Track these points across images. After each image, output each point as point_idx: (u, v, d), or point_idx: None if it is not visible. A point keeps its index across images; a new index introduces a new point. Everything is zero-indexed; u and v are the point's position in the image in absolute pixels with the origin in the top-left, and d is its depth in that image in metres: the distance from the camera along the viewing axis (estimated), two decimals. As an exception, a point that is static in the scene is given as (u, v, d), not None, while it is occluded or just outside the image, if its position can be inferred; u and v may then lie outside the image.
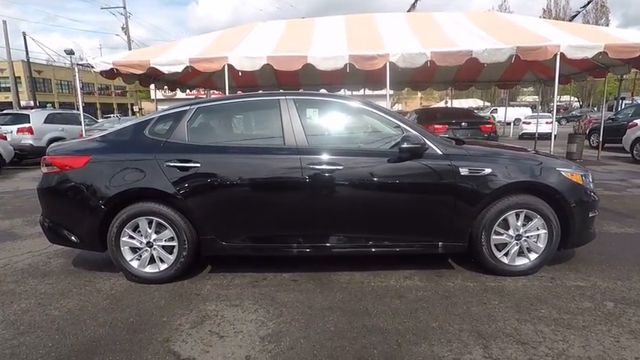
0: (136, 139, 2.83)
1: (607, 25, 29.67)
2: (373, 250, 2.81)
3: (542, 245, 2.78)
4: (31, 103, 26.28)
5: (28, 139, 10.11)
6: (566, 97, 39.96)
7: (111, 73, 7.24)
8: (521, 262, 2.81)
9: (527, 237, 2.77)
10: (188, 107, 2.88)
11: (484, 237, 2.74)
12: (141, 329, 2.20)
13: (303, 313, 2.35)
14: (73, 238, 2.82)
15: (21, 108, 20.86)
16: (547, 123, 15.26)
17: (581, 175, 2.85)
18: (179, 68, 6.84)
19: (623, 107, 15.05)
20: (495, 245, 2.77)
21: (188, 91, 12.36)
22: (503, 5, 35.75)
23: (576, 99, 40.25)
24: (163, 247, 2.77)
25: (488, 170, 2.69)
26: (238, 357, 1.93)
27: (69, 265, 3.21)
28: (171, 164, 2.68)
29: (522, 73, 10.86)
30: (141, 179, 2.68)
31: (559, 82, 9.60)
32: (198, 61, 6.82)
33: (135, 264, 2.79)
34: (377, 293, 2.60)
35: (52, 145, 2.99)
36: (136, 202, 2.70)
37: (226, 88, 7.12)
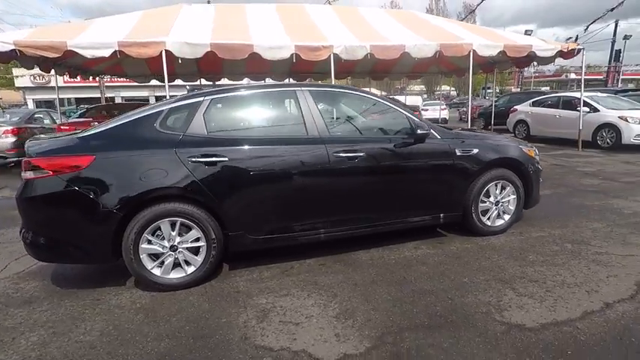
0: (146, 133, 2.57)
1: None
2: (392, 226, 3.11)
3: (512, 208, 3.47)
4: None
5: None
6: (446, 87, 46.08)
7: (8, 56, 5.97)
8: (499, 222, 3.46)
9: (503, 202, 3.42)
10: (202, 98, 2.72)
11: (474, 206, 3.29)
12: (208, 334, 2.11)
13: (354, 290, 2.53)
14: (77, 252, 2.46)
15: None
16: (442, 109, 17.71)
17: (534, 150, 3.61)
18: (105, 52, 6.02)
19: (501, 96, 18.24)
20: (481, 212, 3.35)
21: (91, 78, 10.76)
22: (394, 2, 39.12)
23: (454, 89, 46.78)
24: (188, 249, 2.61)
25: (475, 150, 3.22)
26: (329, 336, 2.04)
27: (50, 285, 2.75)
28: (196, 159, 2.53)
29: (428, 66, 12.33)
30: (162, 178, 2.47)
31: (457, 75, 11.30)
32: (129, 45, 6.08)
33: (157, 272, 2.57)
34: (402, 264, 2.92)
35: (31, 144, 2.48)
36: (156, 204, 2.48)
37: (165, 78, 6.51)
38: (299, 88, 2.92)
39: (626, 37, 27.44)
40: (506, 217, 3.47)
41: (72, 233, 2.43)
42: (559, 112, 9.86)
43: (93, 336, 2.13)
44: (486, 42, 7.59)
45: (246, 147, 2.66)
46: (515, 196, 3.44)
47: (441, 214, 3.23)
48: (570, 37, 25.04)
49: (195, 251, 2.63)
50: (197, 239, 2.60)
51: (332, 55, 6.95)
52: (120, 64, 10.09)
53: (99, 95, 21.57)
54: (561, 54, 8.14)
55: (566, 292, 2.42)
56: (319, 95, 2.98)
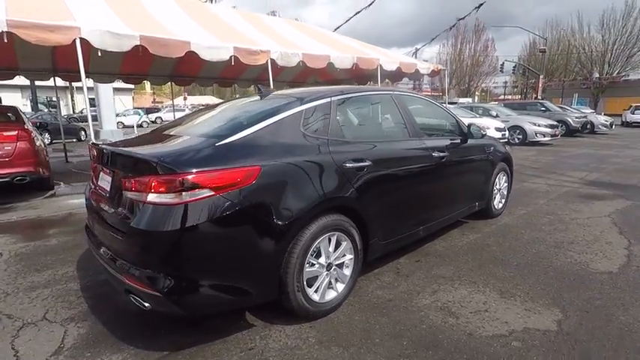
0: (296, 138, 2.17)
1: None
2: (453, 217, 3.50)
3: (505, 192, 4.40)
4: None
5: None
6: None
7: None
8: (500, 205, 4.33)
9: (501, 188, 4.31)
10: (329, 99, 2.45)
11: (493, 194, 4.04)
12: (433, 343, 2.01)
13: (482, 273, 2.82)
14: (239, 292, 1.88)
15: None
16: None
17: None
18: (-14, 33, 4.17)
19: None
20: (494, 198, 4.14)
21: None
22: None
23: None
24: (338, 265, 2.34)
25: (492, 148, 3.97)
26: (520, 311, 2.29)
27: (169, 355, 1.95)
28: (350, 165, 2.31)
29: (307, 76, 11.42)
30: (327, 187, 2.15)
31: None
32: (26, 26, 4.41)
33: (316, 297, 2.21)
34: (474, 248, 3.36)
35: (175, 154, 1.73)
36: (321, 218, 2.13)
37: (82, 71, 4.96)
38: (392, 92, 2.98)
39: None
40: (502, 199, 4.38)
41: (237, 268, 1.86)
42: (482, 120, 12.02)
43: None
44: (387, 59, 8.91)
45: (376, 149, 2.57)
46: (507, 184, 4.39)
47: (477, 203, 3.83)
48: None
49: (341, 266, 2.38)
50: (344, 253, 2.37)
51: (269, 61, 6.82)
52: (8, 51, 6.91)
53: None
54: (433, 73, 10.30)
55: (590, 244, 3.39)
56: (405, 99, 3.10)
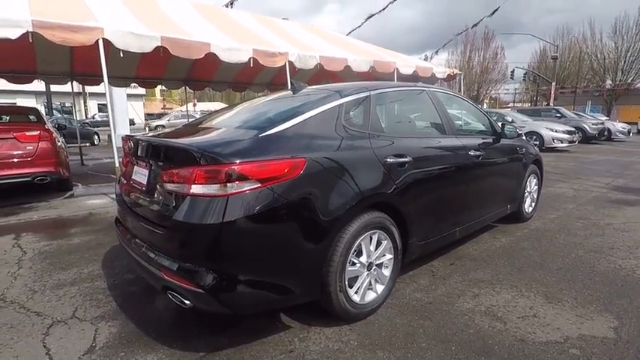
0: (339, 131, 2.09)
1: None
2: (487, 220, 3.37)
3: (536, 196, 4.25)
4: None
5: None
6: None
7: None
8: (529, 209, 4.17)
9: (532, 191, 4.16)
10: (368, 93, 2.38)
11: (524, 197, 3.90)
12: (483, 349, 1.89)
13: (522, 277, 2.69)
14: (283, 290, 1.79)
15: None
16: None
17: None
18: (13, 33, 4.19)
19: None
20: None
21: None
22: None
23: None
24: (378, 265, 2.24)
25: (524, 149, 3.84)
26: (571, 317, 2.17)
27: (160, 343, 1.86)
28: (392, 160, 2.22)
29: (254, 76, 10.76)
30: (370, 182, 2.07)
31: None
32: (51, 27, 4.43)
33: (357, 298, 2.10)
34: (509, 251, 3.23)
35: (219, 144, 1.71)
36: (363, 214, 2.04)
37: (104, 72, 4.97)
38: (428, 88, 2.90)
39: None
40: (533, 204, 4.24)
41: (281, 264, 1.77)
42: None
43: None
44: (404, 63, 8.86)
45: (415, 145, 2.48)
46: (537, 187, 4.24)
47: (509, 206, 3.70)
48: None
49: (381, 266, 2.27)
50: (384, 252, 2.26)
51: (287, 63, 6.80)
52: (28, 54, 7.06)
53: None
54: (448, 77, 10.21)
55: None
56: (439, 96, 3.00)
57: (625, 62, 30.12)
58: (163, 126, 30.74)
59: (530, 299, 2.40)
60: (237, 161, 1.64)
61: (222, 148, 1.71)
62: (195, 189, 1.64)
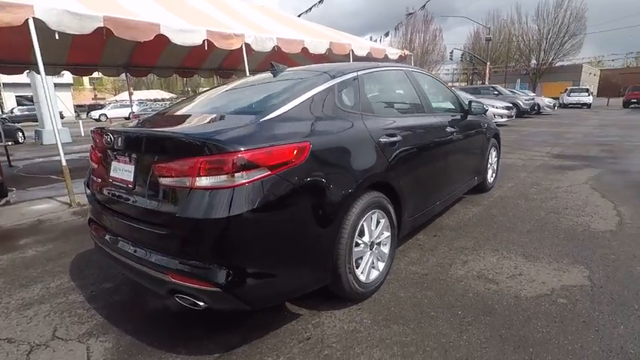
0: (334, 113, 2.04)
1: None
2: (460, 191, 3.56)
3: (495, 167, 4.57)
4: None
5: None
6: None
7: None
8: (491, 179, 4.48)
9: (492, 162, 4.46)
10: (356, 73, 2.34)
11: (487, 168, 4.18)
12: (489, 310, 2.02)
13: (506, 242, 2.90)
14: (296, 280, 1.75)
15: None
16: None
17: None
18: None
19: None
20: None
21: None
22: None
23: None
24: (378, 243, 2.27)
25: (486, 124, 4.09)
26: (551, 270, 2.38)
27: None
28: (385, 140, 2.23)
29: (202, 61, 10.23)
30: (369, 163, 2.07)
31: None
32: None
33: (363, 278, 2.12)
34: (485, 219, 3.46)
35: (222, 131, 1.57)
36: (363, 195, 2.04)
37: (38, 57, 4.37)
38: (406, 68, 2.95)
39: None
40: (494, 174, 4.55)
41: (297, 253, 1.73)
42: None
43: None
44: (358, 45, 8.93)
45: (402, 124, 2.51)
46: (497, 159, 4.56)
47: (475, 178, 3.93)
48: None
49: (380, 244, 2.31)
50: (383, 231, 2.30)
51: (243, 45, 6.52)
52: None
53: None
54: (400, 58, 10.48)
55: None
56: (416, 75, 3.05)
57: (547, 43, 33.13)
58: (106, 115, 28.13)
59: (512, 260, 2.60)
60: (246, 148, 1.54)
61: (227, 135, 1.59)
62: (202, 181, 1.52)
